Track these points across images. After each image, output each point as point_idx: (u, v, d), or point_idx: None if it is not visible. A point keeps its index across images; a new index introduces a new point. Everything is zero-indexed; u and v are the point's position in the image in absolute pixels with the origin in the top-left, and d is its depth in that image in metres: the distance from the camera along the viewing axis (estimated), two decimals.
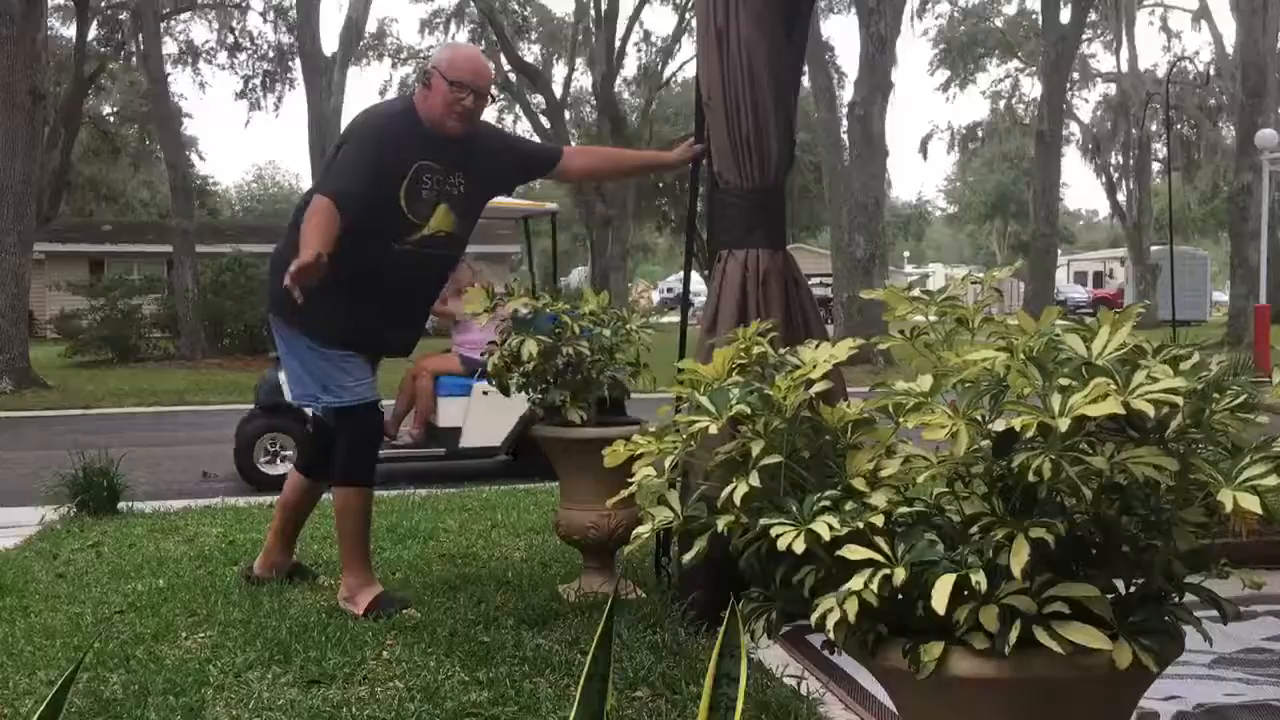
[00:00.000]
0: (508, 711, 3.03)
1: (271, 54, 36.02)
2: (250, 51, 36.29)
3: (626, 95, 38.69)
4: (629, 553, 2.84)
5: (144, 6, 24.42)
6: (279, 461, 7.91)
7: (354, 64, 31.73)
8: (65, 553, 5.20)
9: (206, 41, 36.57)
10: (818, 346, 2.20)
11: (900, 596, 1.78)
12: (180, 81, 54.29)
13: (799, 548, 1.83)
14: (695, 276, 12.40)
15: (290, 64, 34.48)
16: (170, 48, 34.06)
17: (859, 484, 1.96)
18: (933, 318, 2.10)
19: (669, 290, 51.11)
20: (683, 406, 2.24)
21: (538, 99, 35.32)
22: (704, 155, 4.18)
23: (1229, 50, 31.31)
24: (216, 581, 4.56)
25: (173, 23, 34.45)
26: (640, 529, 2.13)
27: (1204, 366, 1.80)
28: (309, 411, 7.60)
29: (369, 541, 4.27)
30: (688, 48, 34.01)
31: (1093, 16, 33.19)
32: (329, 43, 26.89)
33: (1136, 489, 1.78)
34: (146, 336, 22.22)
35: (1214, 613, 1.88)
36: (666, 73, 36.84)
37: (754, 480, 1.96)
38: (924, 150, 63.47)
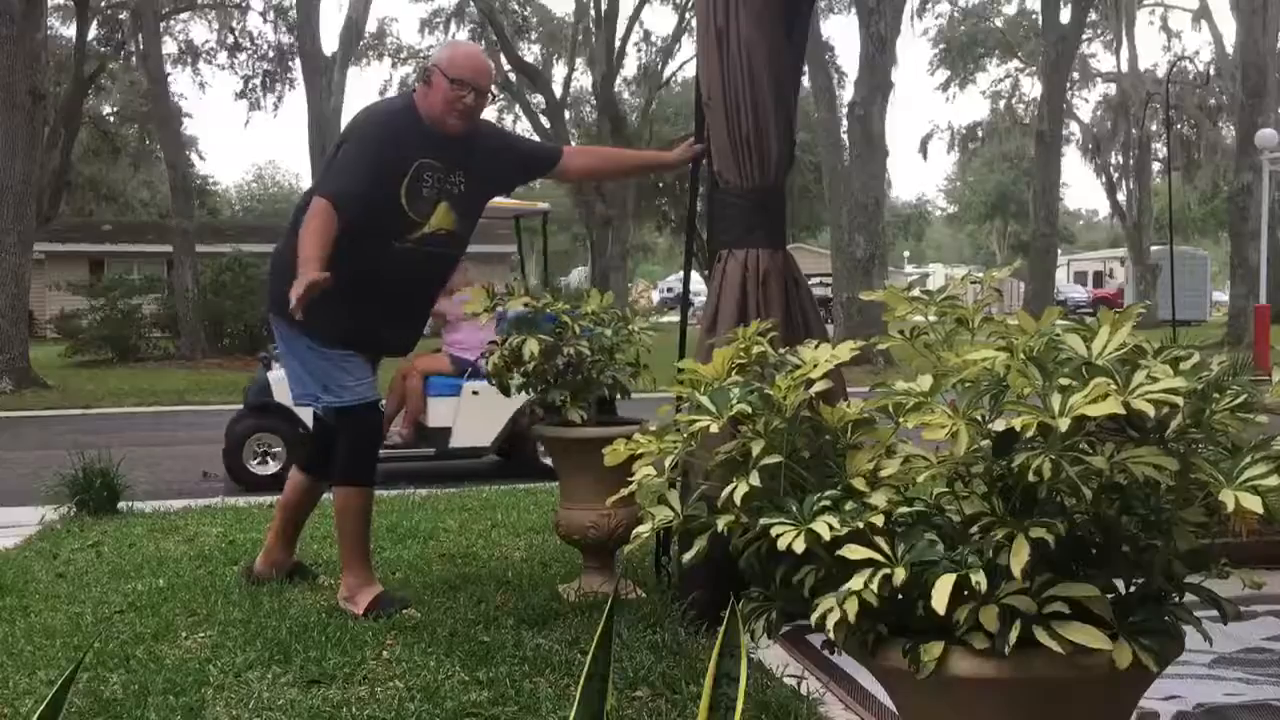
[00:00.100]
0: (508, 711, 3.03)
1: (271, 54, 36.04)
2: (250, 51, 36.31)
3: (626, 95, 38.70)
4: (629, 552, 2.84)
5: (144, 6, 24.42)
6: (268, 462, 7.92)
7: (354, 64, 31.75)
8: (65, 553, 5.20)
9: (206, 41, 36.60)
10: (818, 346, 2.20)
11: (900, 596, 1.78)
12: (180, 81, 54.33)
13: (799, 548, 1.83)
14: (695, 276, 12.40)
15: (290, 64, 34.48)
16: (170, 47, 34.09)
17: (859, 484, 1.96)
18: (933, 318, 2.11)
19: (669, 290, 51.11)
20: (683, 406, 2.25)
21: (538, 99, 35.32)
22: (704, 155, 4.18)
23: (1229, 50, 31.32)
24: (216, 581, 4.56)
25: (172, 23, 34.46)
26: (640, 529, 2.13)
27: (1204, 366, 1.80)
28: (307, 412, 7.65)
29: (369, 541, 4.27)
30: (688, 48, 34.05)
31: (1093, 16, 33.20)
32: (329, 42, 26.93)
33: (1136, 489, 1.78)
34: (146, 336, 22.23)
35: (1214, 613, 1.88)
36: (666, 73, 36.87)
37: (754, 480, 1.96)
38: (924, 150, 63.45)
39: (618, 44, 33.14)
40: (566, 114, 36.89)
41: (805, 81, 15.91)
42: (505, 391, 4.39)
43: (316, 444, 4.51)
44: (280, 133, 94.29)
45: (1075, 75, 37.44)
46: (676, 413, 2.21)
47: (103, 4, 32.18)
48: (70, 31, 31.61)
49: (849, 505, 1.88)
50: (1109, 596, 1.80)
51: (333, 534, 4.53)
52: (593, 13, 33.23)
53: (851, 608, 1.73)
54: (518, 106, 36.72)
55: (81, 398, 14.87)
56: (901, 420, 1.94)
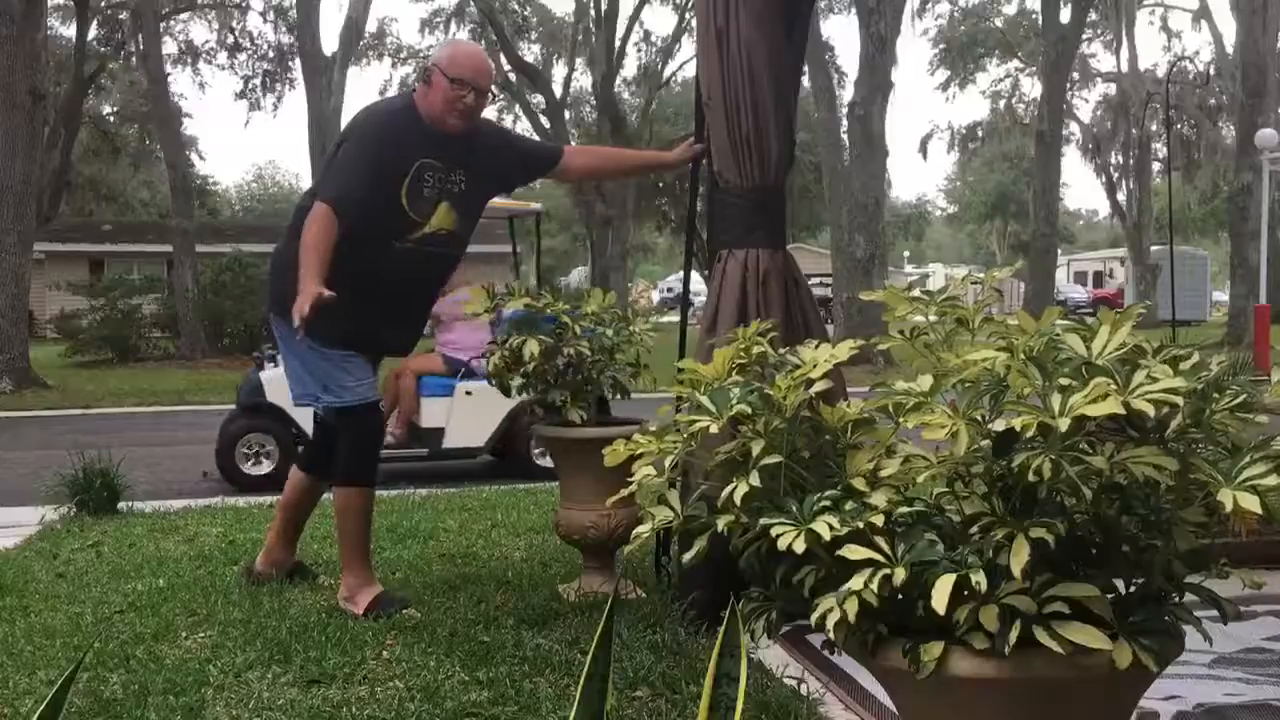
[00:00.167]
0: (508, 711, 3.03)
1: (271, 54, 36.04)
2: (250, 51, 36.31)
3: (626, 95, 38.70)
4: (629, 553, 2.84)
5: (144, 6, 24.42)
6: (261, 462, 7.92)
7: (354, 64, 31.74)
8: (65, 553, 5.20)
9: (206, 41, 36.60)
10: (818, 346, 2.20)
11: (900, 596, 1.78)
12: (180, 81, 54.35)
13: (799, 548, 1.83)
14: (695, 276, 12.39)
15: (290, 64, 34.48)
16: (170, 47, 34.09)
17: (859, 484, 1.96)
18: (933, 318, 2.11)
19: (669, 290, 51.13)
20: (683, 406, 2.25)
21: (538, 99, 35.32)
22: (704, 155, 4.18)
23: (1229, 50, 31.32)
24: (216, 581, 4.56)
25: (172, 23, 34.46)
26: (640, 529, 2.13)
27: (1204, 366, 1.80)
28: (300, 412, 7.64)
29: (369, 541, 4.27)
30: (688, 48, 34.05)
31: (1093, 16, 33.19)
32: (329, 42, 26.92)
33: (1136, 489, 1.78)
34: (146, 336, 22.23)
35: (1214, 613, 1.88)
36: (666, 73, 36.87)
37: (754, 480, 1.96)
38: (924, 150, 63.47)
39: (618, 44, 33.14)
40: (566, 114, 36.89)
41: (805, 81, 15.91)
42: (506, 392, 4.39)
43: (316, 444, 4.51)
44: (280, 133, 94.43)
45: (1075, 75, 37.44)
46: (676, 413, 2.21)
47: (103, 4, 32.18)
48: (70, 31, 31.62)
49: (849, 505, 1.88)
50: (1109, 596, 1.80)
51: (333, 534, 4.53)
52: (593, 13, 33.23)
53: (851, 608, 1.73)
54: (518, 106, 36.73)
55: (81, 398, 14.87)
56: (901, 420, 1.94)
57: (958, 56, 41.37)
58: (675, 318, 4.91)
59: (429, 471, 7.97)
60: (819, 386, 2.09)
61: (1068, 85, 33.37)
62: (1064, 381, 1.71)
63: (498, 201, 8.84)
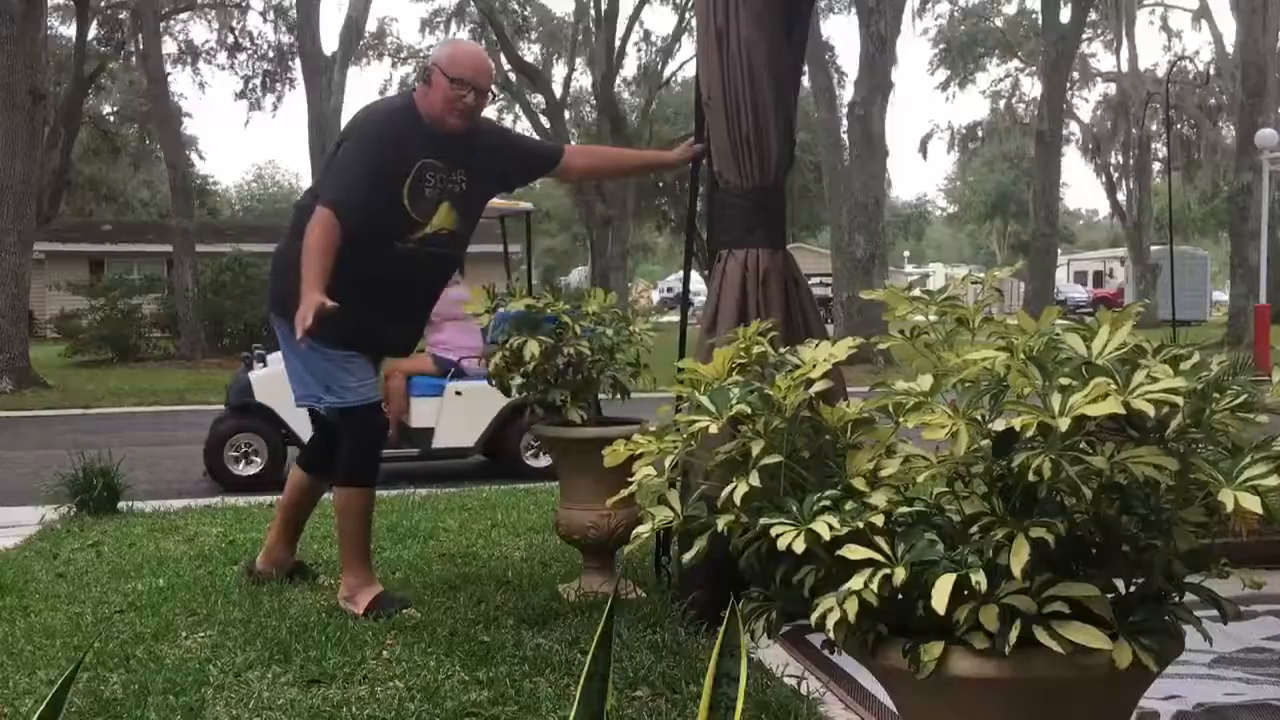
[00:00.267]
0: (508, 711, 3.03)
1: (271, 54, 36.04)
2: (250, 51, 36.31)
3: (626, 95, 38.69)
4: (629, 552, 2.84)
5: (144, 6, 24.42)
6: (248, 463, 7.91)
7: (354, 63, 31.74)
8: (65, 552, 5.20)
9: (206, 41, 36.60)
10: (817, 346, 2.20)
11: (900, 596, 1.78)
12: (180, 81, 54.39)
13: (799, 547, 1.83)
14: (695, 276, 12.39)
15: (290, 64, 34.48)
16: (170, 47, 34.09)
17: (859, 484, 1.96)
18: (933, 318, 2.11)
19: (669, 290, 51.14)
20: (683, 406, 2.25)
21: (538, 99, 35.32)
22: (704, 155, 4.18)
23: (1229, 50, 31.32)
24: (216, 581, 4.56)
25: (172, 22, 34.46)
26: (640, 529, 2.13)
27: (1204, 366, 1.80)
28: (289, 412, 7.63)
29: (370, 541, 4.27)
30: (688, 47, 34.04)
31: (1093, 16, 33.19)
32: (329, 42, 26.92)
33: (1136, 489, 1.78)
34: (146, 336, 22.22)
35: (1214, 612, 1.88)
36: (666, 73, 36.86)
37: (754, 480, 1.96)
38: (924, 150, 63.54)
39: (618, 44, 33.13)
40: (566, 114, 36.88)
41: (805, 81, 15.91)
42: (506, 392, 4.39)
43: (316, 443, 4.51)
44: (280, 133, 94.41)
45: (1075, 75, 37.45)
46: (676, 413, 2.21)
47: (103, 4, 32.17)
48: (70, 31, 31.61)
49: (849, 505, 1.88)
50: (1109, 596, 1.80)
51: (333, 534, 4.53)
52: (593, 13, 33.22)
53: (851, 608, 1.73)
54: (518, 106, 36.72)
55: (81, 398, 14.87)
56: (901, 420, 1.94)
57: (958, 56, 41.36)
58: (675, 318, 4.91)
59: (429, 471, 7.97)
60: (819, 386, 2.09)
61: (1068, 85, 33.37)
62: (1064, 381, 1.71)
63: (491, 201, 8.84)
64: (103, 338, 21.56)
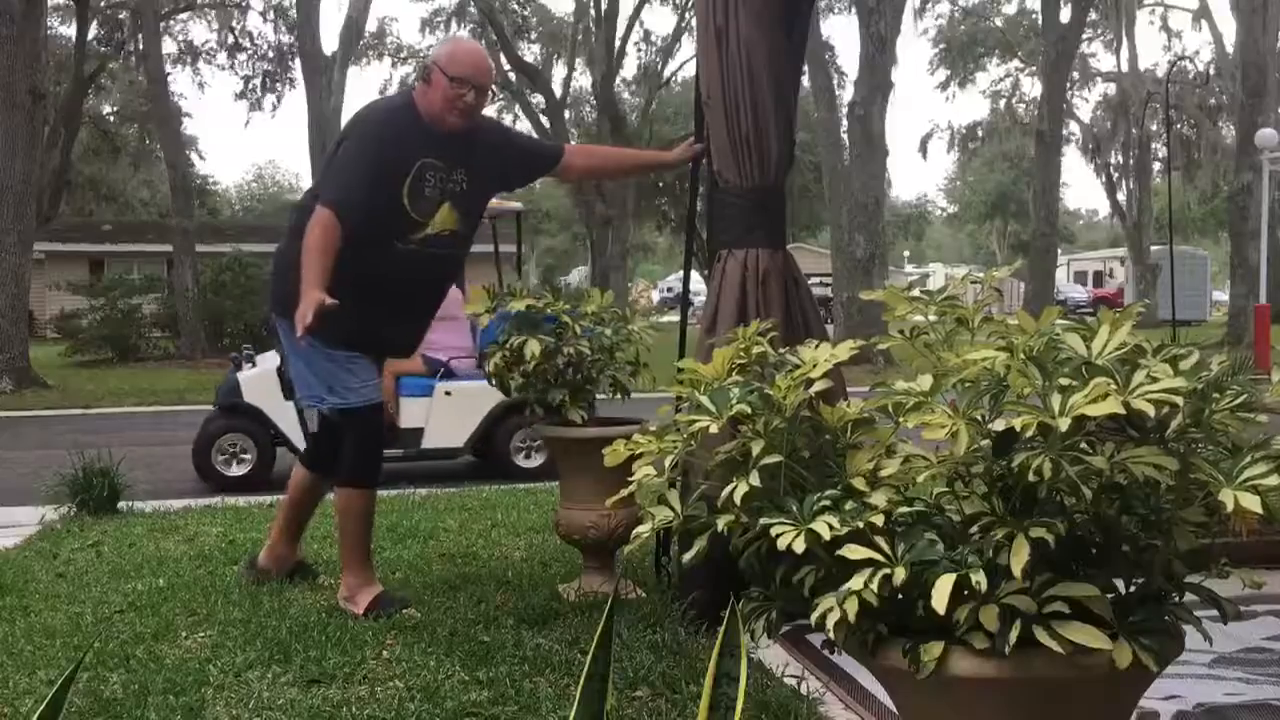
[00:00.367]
0: (508, 711, 3.03)
1: (271, 54, 36.04)
2: (250, 51, 36.31)
3: (626, 95, 38.69)
4: (629, 552, 2.84)
5: (144, 6, 24.42)
6: (238, 463, 7.91)
7: (354, 63, 31.75)
8: (65, 552, 5.20)
9: (206, 42, 36.60)
10: (818, 346, 2.20)
11: (900, 596, 1.78)
12: (180, 81, 54.41)
13: (799, 547, 1.83)
14: (695, 276, 12.39)
15: (290, 64, 34.48)
16: (170, 47, 34.09)
17: (859, 484, 1.96)
18: (933, 318, 2.11)
19: (669, 290, 51.13)
20: (683, 406, 2.24)
21: (538, 99, 35.32)
22: (704, 155, 4.18)
23: (1229, 50, 31.31)
24: (216, 581, 4.56)
25: (172, 23, 34.45)
26: (640, 528, 2.13)
27: (1204, 366, 1.80)
28: (279, 413, 7.62)
29: (370, 542, 4.27)
30: (688, 47, 34.04)
31: (1093, 16, 33.18)
32: (329, 42, 26.93)
33: (1136, 489, 1.78)
34: (146, 336, 22.21)
35: (1214, 612, 1.88)
36: (666, 72, 36.86)
37: (754, 480, 1.96)
38: (924, 150, 63.56)
39: (618, 44, 33.13)
40: (566, 114, 36.88)
41: (805, 81, 15.90)
42: (506, 391, 4.38)
43: (320, 442, 4.50)
44: (280, 133, 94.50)
45: (1075, 75, 37.44)
46: (676, 413, 2.20)
47: (103, 4, 32.17)
48: (70, 31, 31.61)
49: (849, 505, 1.88)
50: (1109, 596, 1.80)
51: (333, 534, 4.53)
52: (593, 12, 33.22)
53: (851, 607, 1.73)
54: (518, 106, 36.72)
55: (81, 398, 14.87)
56: (901, 420, 1.94)
57: (958, 56, 41.36)
58: (675, 317, 4.90)
59: (429, 472, 7.97)
60: (819, 386, 2.09)
61: (1068, 85, 33.37)
62: (1064, 381, 1.71)
63: None
64: (103, 338, 21.55)
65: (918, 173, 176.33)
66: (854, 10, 21.81)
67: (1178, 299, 16.72)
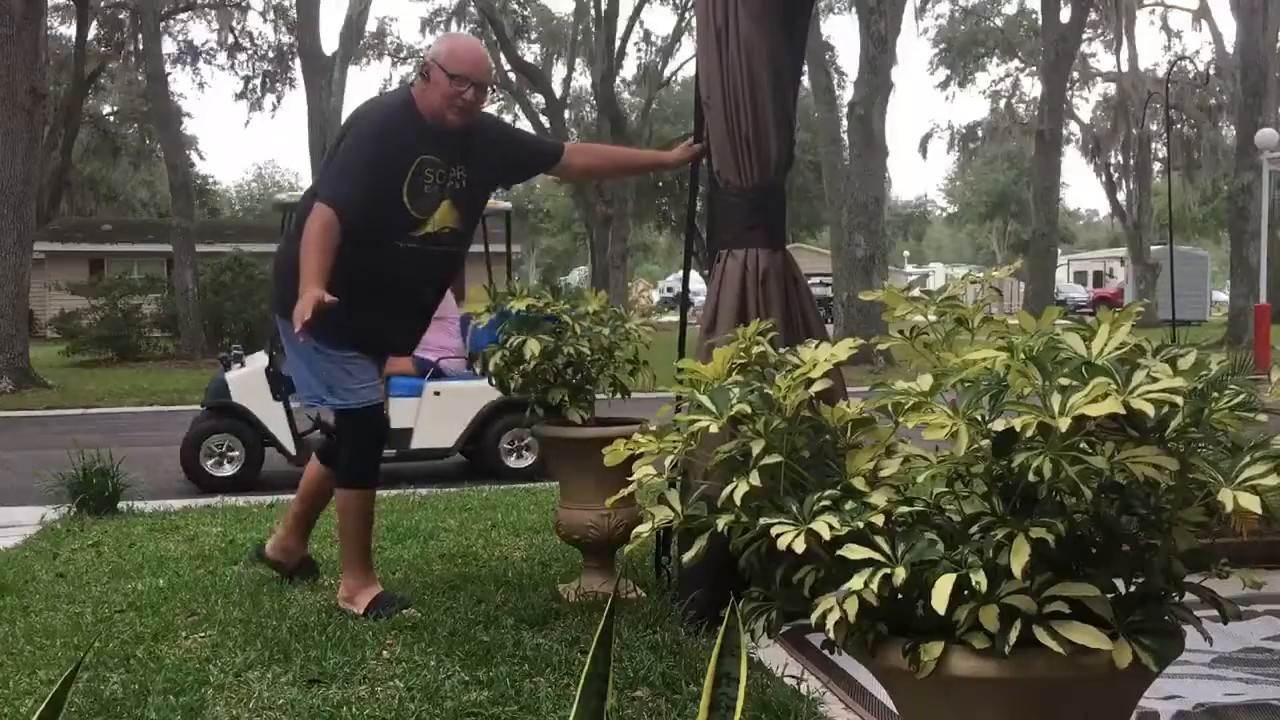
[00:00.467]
0: (508, 711, 3.03)
1: (271, 54, 36.05)
2: (250, 51, 36.32)
3: (626, 95, 38.69)
4: (629, 552, 2.84)
5: (144, 6, 24.42)
6: (226, 463, 7.90)
7: (354, 63, 31.75)
8: (65, 552, 5.20)
9: (206, 41, 36.62)
10: (817, 346, 2.20)
11: (900, 596, 1.78)
12: (180, 81, 54.41)
13: (799, 547, 1.83)
14: (695, 276, 12.38)
15: (290, 64, 34.49)
16: (170, 47, 34.10)
17: (859, 484, 1.96)
18: (932, 317, 2.11)
19: (669, 290, 51.14)
20: (683, 406, 2.25)
21: (538, 99, 35.32)
22: (704, 155, 4.18)
23: (1229, 50, 31.28)
24: (216, 581, 4.56)
25: (172, 22, 34.46)
26: (640, 528, 2.13)
27: (1204, 366, 1.80)
28: (268, 413, 7.59)
29: (370, 542, 4.27)
30: (688, 47, 34.02)
31: (1093, 16, 33.18)
32: (329, 42, 26.93)
33: (1136, 488, 1.78)
34: (146, 336, 22.21)
35: (1214, 612, 1.88)
36: (666, 73, 36.85)
37: (754, 479, 1.96)
38: (924, 150, 63.56)
39: (618, 43, 33.12)
40: (566, 114, 36.88)
41: (805, 81, 15.91)
42: (505, 391, 4.38)
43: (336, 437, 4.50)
44: (280, 133, 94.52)
45: (1075, 75, 37.44)
46: (676, 413, 2.21)
47: (103, 4, 32.17)
48: (70, 31, 31.63)
49: (849, 505, 1.88)
50: (1109, 596, 1.80)
51: (333, 534, 4.53)
52: (593, 12, 33.22)
53: (851, 607, 1.73)
54: (518, 106, 36.72)
55: (81, 398, 14.87)
56: (901, 420, 1.94)
57: (958, 56, 41.38)
58: (675, 317, 4.90)
59: (429, 472, 7.97)
60: (819, 386, 2.09)
61: (1068, 85, 33.36)
62: (1064, 381, 1.71)
63: None
64: (103, 338, 21.54)
65: (918, 173, 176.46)
66: (854, 10, 21.82)
67: (1178, 299, 16.72)
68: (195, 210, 26.99)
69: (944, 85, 42.39)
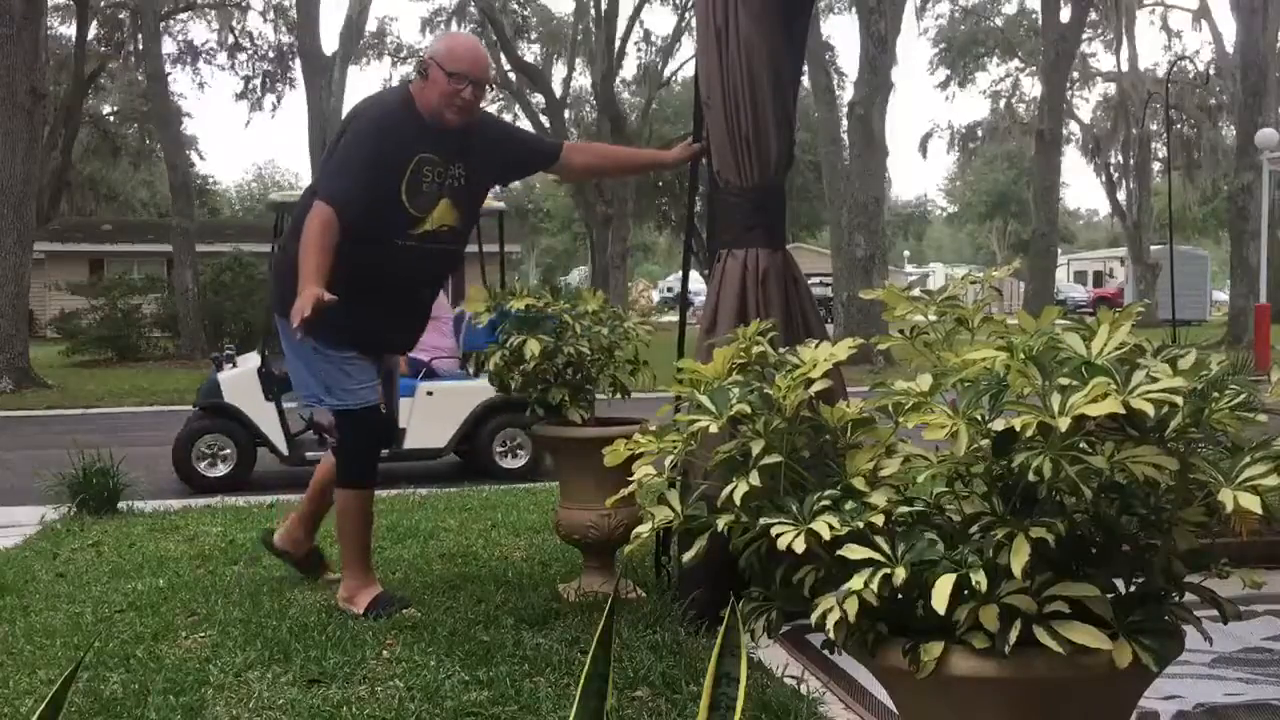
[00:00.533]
0: (508, 711, 3.03)
1: (271, 54, 36.05)
2: (250, 51, 36.32)
3: (626, 95, 38.69)
4: (629, 552, 2.84)
5: (144, 6, 24.42)
6: (219, 463, 7.90)
7: (354, 63, 31.75)
8: (65, 552, 5.20)
9: (206, 41, 36.62)
10: (817, 346, 2.19)
11: (900, 596, 1.78)
12: (180, 81, 54.44)
13: (799, 547, 1.83)
14: (695, 276, 12.37)
15: (290, 64, 34.49)
16: (170, 47, 34.10)
17: (859, 483, 1.96)
18: (932, 317, 2.11)
19: (669, 290, 51.15)
20: (683, 406, 2.24)
21: (538, 99, 35.32)
22: (703, 155, 4.18)
23: (1229, 50, 31.28)
24: (216, 581, 4.56)
25: (172, 22, 34.46)
26: (640, 528, 2.12)
27: (1204, 365, 1.80)
28: (259, 413, 7.58)
29: (370, 542, 4.27)
30: (688, 47, 34.02)
31: (1093, 16, 33.18)
32: (329, 42, 26.92)
33: (1136, 488, 1.78)
34: (146, 336, 22.21)
35: (1214, 612, 1.88)
36: (666, 72, 36.85)
37: (754, 479, 1.96)
38: (924, 150, 63.58)
39: (618, 43, 33.12)
40: (566, 114, 36.88)
41: (805, 81, 15.90)
42: (505, 391, 4.38)
43: None
44: (280, 132, 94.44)
45: (1075, 75, 37.44)
46: (676, 413, 2.20)
47: (103, 4, 32.17)
48: (70, 31, 31.63)
49: (849, 505, 1.88)
50: (1109, 596, 1.80)
51: (333, 534, 4.53)
52: (593, 12, 33.21)
53: (851, 607, 1.73)
54: (518, 106, 36.72)
55: (81, 398, 14.87)
56: (901, 420, 1.94)
57: (958, 56, 41.38)
58: (675, 317, 4.90)
59: (429, 472, 7.97)
60: (819, 386, 2.09)
61: (1068, 85, 33.36)
62: (1064, 381, 1.71)
63: None
64: (103, 338, 21.54)
65: (918, 173, 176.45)
66: (854, 10, 21.81)
67: (1178, 299, 16.72)
68: (195, 210, 26.99)
69: (944, 85, 42.42)
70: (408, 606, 4.01)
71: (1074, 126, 41.91)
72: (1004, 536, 1.72)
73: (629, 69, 39.25)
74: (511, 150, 4.34)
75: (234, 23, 35.94)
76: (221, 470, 7.87)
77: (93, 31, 31.95)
